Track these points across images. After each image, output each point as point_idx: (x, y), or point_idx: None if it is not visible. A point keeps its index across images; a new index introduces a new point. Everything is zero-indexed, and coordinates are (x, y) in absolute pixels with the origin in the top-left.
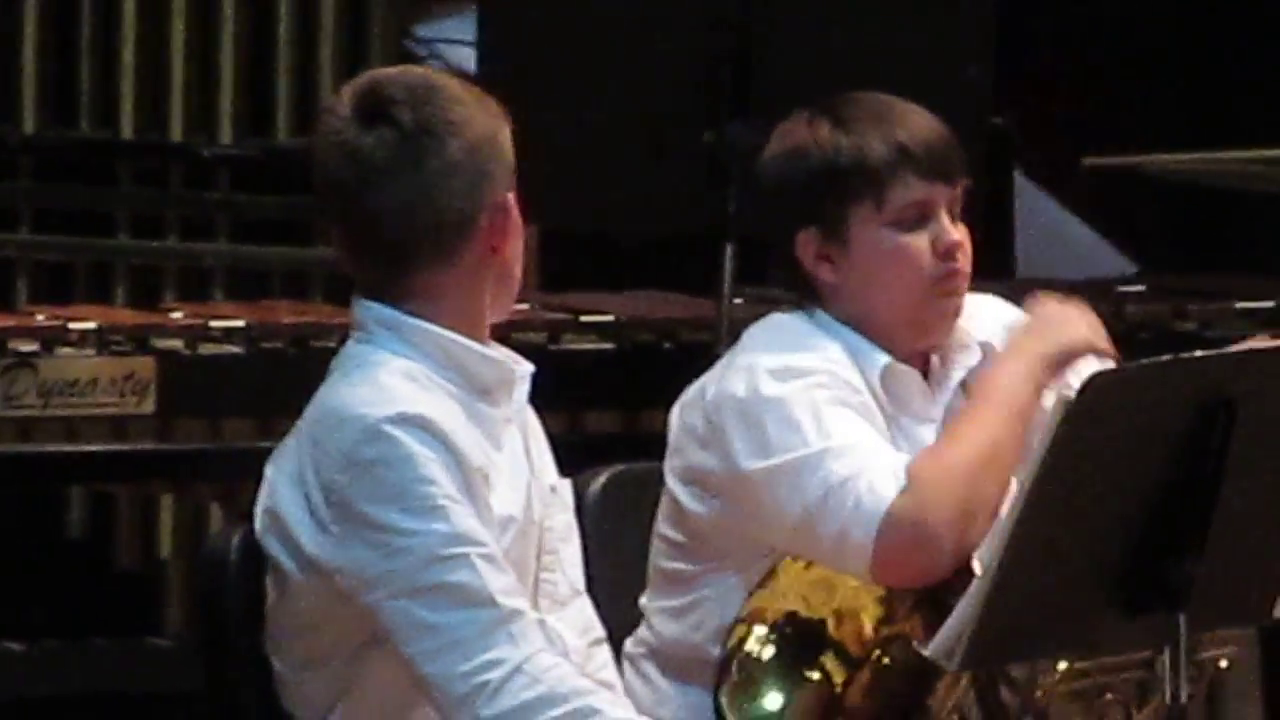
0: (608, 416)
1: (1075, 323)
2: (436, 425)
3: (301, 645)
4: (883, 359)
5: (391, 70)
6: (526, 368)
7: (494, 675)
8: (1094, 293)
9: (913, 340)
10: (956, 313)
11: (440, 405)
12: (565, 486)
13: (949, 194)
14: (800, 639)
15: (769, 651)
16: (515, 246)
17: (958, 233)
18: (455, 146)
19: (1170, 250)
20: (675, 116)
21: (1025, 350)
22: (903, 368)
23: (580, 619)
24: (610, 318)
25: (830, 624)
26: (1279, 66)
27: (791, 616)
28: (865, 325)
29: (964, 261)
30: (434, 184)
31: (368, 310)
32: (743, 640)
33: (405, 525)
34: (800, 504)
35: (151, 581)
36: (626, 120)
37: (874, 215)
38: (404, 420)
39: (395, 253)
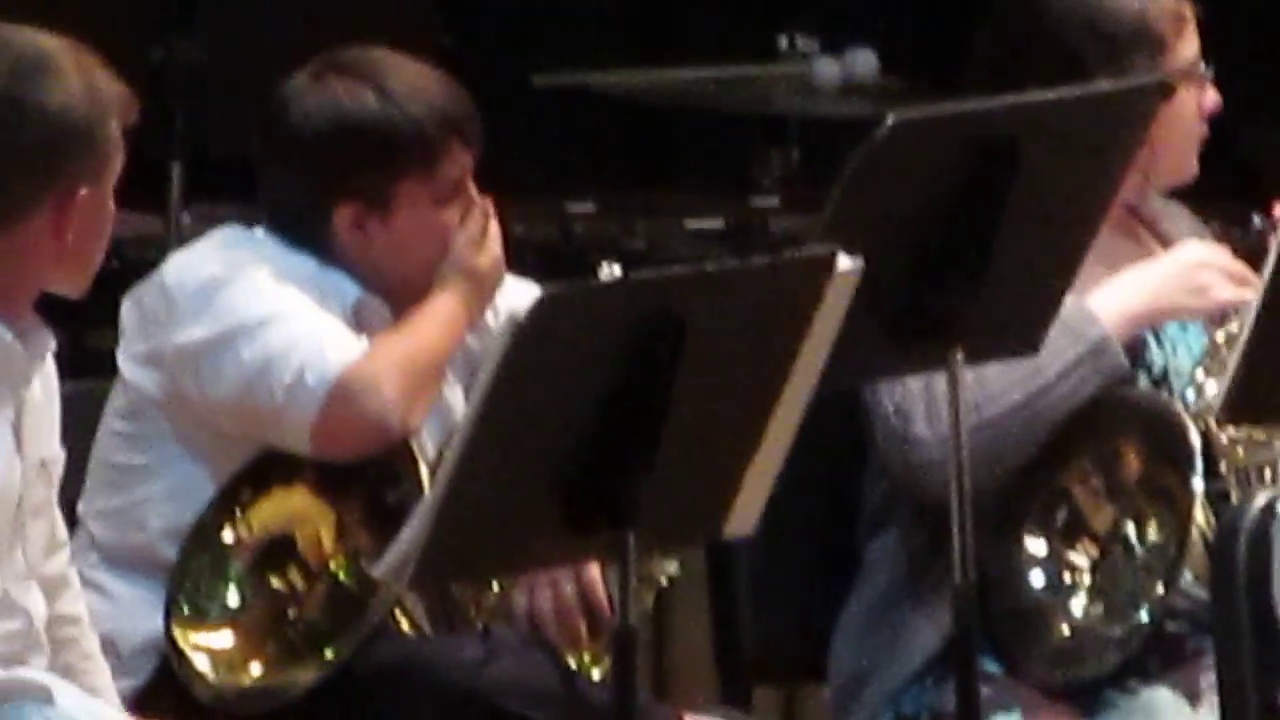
0: (55, 334)
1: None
2: None
3: None
4: (353, 291)
5: (35, 36)
6: (47, 344)
7: None
8: (543, 212)
9: (410, 303)
10: None
11: None
12: (58, 461)
13: (470, 161)
14: (270, 550)
15: (240, 558)
16: (88, 238)
17: (482, 200)
18: (30, 131)
19: (620, 169)
20: (119, 33)
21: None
22: (374, 300)
23: (58, 569)
24: None
25: (298, 540)
26: None
27: (267, 531)
28: (370, 283)
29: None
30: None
31: None
32: (217, 534)
33: None
34: (240, 374)
35: None
36: (72, 34)
37: (425, 189)
38: None
39: None
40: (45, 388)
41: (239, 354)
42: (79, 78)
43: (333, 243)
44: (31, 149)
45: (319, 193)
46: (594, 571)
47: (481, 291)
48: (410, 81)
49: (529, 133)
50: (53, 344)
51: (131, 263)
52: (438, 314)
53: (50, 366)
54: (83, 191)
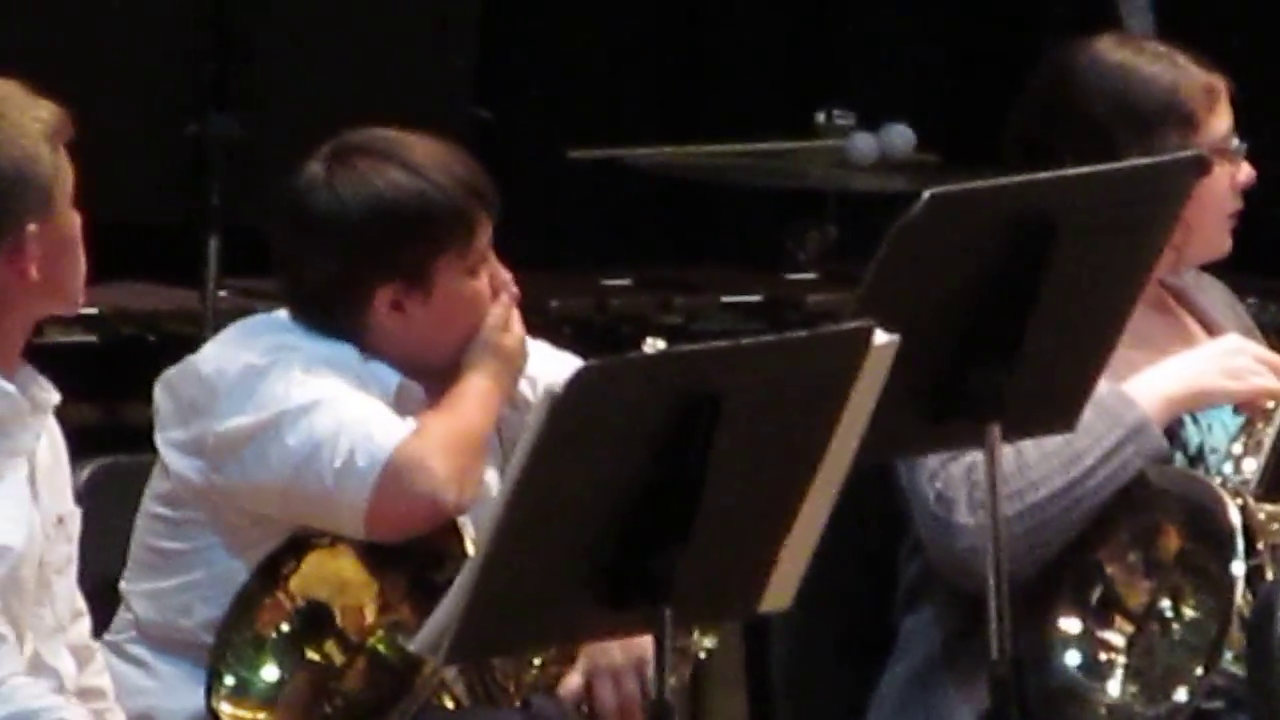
0: (90, 409)
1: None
2: None
3: None
4: (394, 376)
5: None
6: (49, 398)
7: None
8: (579, 286)
9: (440, 383)
10: None
11: None
12: (74, 517)
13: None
14: (308, 621)
15: (279, 628)
16: (58, 264)
17: (504, 272)
18: None
19: (656, 243)
20: (158, 108)
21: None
22: (413, 384)
23: (81, 639)
24: (94, 310)
25: (337, 611)
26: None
27: (307, 600)
28: (404, 364)
29: (515, 292)
30: None
31: None
32: (258, 605)
33: None
34: (287, 461)
35: None
36: (110, 111)
37: (459, 263)
38: None
39: None
40: (52, 444)
41: (284, 440)
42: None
43: (368, 327)
44: None
45: (359, 277)
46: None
47: (512, 369)
48: (432, 156)
49: (565, 207)
50: (56, 397)
51: (168, 337)
52: (475, 393)
53: (53, 423)
54: (31, 228)
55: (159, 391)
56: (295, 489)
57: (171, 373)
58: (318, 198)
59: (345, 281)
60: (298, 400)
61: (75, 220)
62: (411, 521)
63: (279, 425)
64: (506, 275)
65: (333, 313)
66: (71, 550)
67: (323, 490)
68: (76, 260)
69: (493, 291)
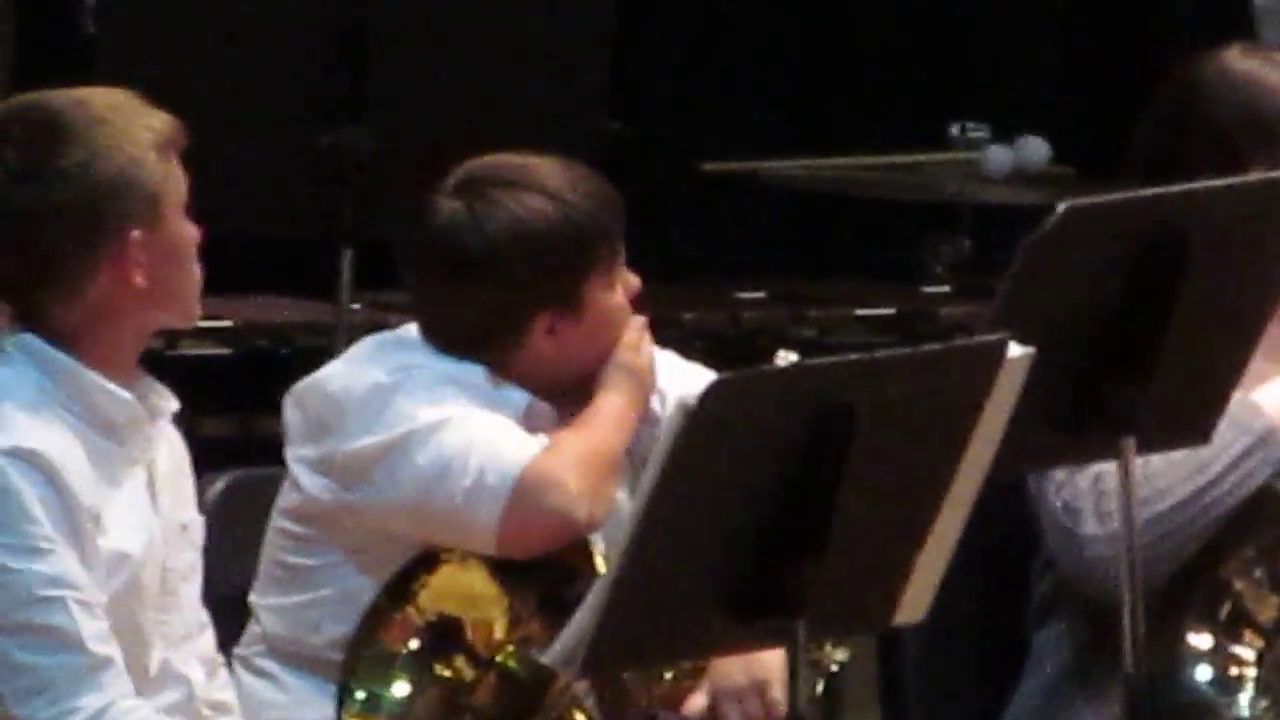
0: (224, 421)
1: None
2: (48, 462)
3: None
4: (522, 396)
5: (26, 101)
6: (168, 405)
7: None
8: (713, 299)
9: (580, 396)
10: None
11: (58, 440)
12: (197, 525)
13: None
14: (439, 636)
15: (409, 644)
16: (166, 273)
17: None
18: (54, 197)
19: (790, 257)
20: (292, 121)
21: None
22: (543, 405)
23: (207, 651)
24: (228, 323)
25: (468, 626)
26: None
27: (438, 615)
28: (540, 385)
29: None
30: (37, 227)
31: (11, 334)
32: (388, 619)
33: (4, 562)
34: (417, 480)
35: None
36: (242, 124)
37: (604, 279)
38: (15, 454)
39: (16, 287)
40: (173, 451)
41: (414, 459)
42: (96, 129)
43: (520, 354)
44: (62, 213)
45: (515, 311)
46: (778, 690)
47: (644, 389)
48: (561, 177)
49: (699, 220)
50: (174, 405)
51: (301, 350)
52: (609, 411)
53: (174, 431)
54: (134, 235)
55: (288, 406)
56: (426, 508)
57: (300, 388)
58: (465, 237)
59: (503, 316)
60: (426, 419)
61: (186, 231)
62: (543, 537)
63: (408, 444)
64: (635, 280)
65: (486, 346)
66: (195, 558)
67: (453, 508)
68: (187, 271)
69: (628, 300)
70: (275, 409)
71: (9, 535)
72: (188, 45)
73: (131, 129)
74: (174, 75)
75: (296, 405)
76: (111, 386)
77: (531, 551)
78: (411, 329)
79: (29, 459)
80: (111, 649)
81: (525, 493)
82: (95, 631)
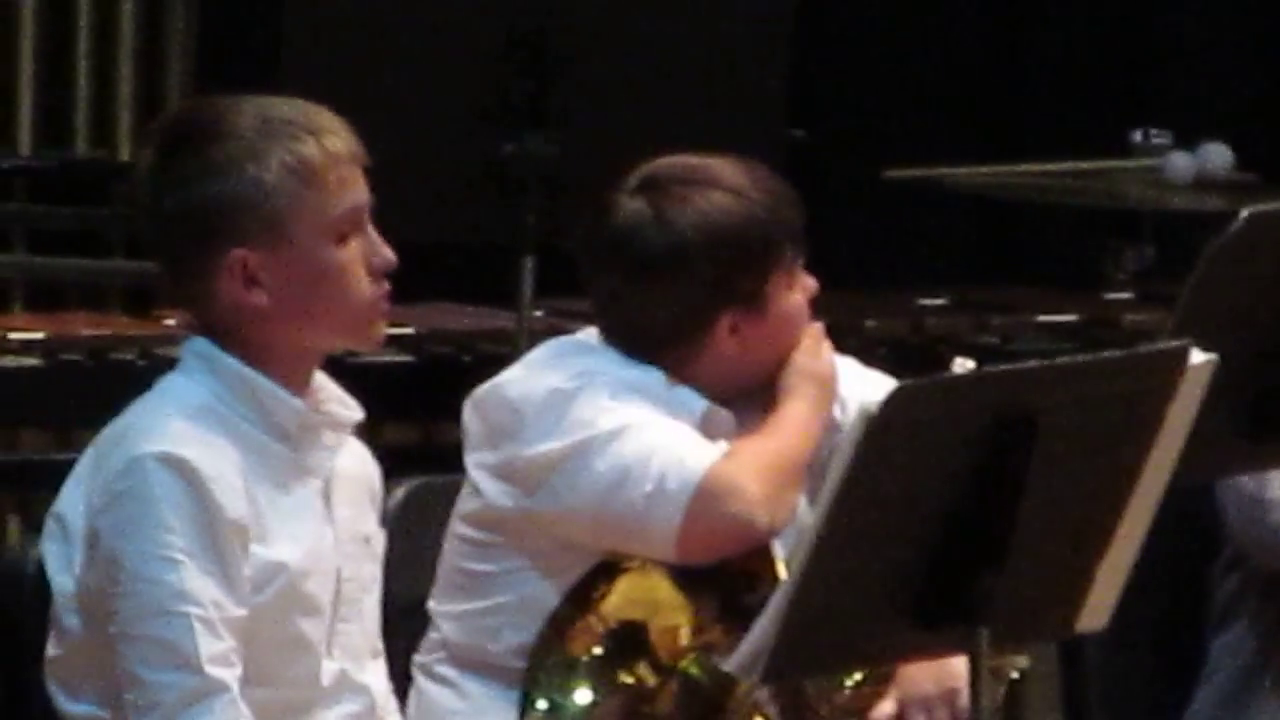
0: (406, 429)
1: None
2: (196, 472)
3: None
4: (700, 402)
5: (193, 102)
6: (351, 415)
7: None
8: (895, 306)
9: (762, 400)
10: None
11: (218, 448)
12: (379, 537)
13: None
14: (621, 644)
15: (592, 651)
16: (300, 294)
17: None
18: (176, 200)
19: (971, 263)
20: (474, 129)
21: (803, 384)
22: (721, 410)
23: (383, 688)
24: (409, 330)
25: (651, 633)
26: (1065, 82)
27: (620, 622)
28: (718, 388)
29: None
30: (163, 230)
31: (187, 338)
32: (570, 627)
33: (137, 568)
34: (597, 486)
35: None
36: (424, 131)
37: (786, 279)
38: (165, 460)
39: (169, 289)
40: (357, 462)
41: (594, 467)
42: (224, 143)
43: (702, 354)
44: (177, 220)
45: (703, 309)
46: (966, 699)
47: (826, 394)
48: (746, 176)
49: (881, 227)
50: (357, 415)
51: (482, 357)
52: (794, 418)
53: (357, 443)
54: (241, 253)
55: (468, 412)
56: (606, 514)
57: (480, 394)
58: (649, 235)
59: (687, 314)
60: (606, 426)
61: (332, 256)
62: (724, 543)
63: (588, 451)
64: (813, 281)
65: (669, 346)
66: (376, 570)
67: (634, 514)
68: (332, 296)
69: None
70: (457, 416)
71: (144, 542)
72: (371, 53)
73: (265, 147)
74: (358, 84)
75: (476, 411)
76: (283, 393)
77: (711, 557)
78: (591, 334)
79: (176, 466)
80: (229, 674)
81: (706, 499)
82: (216, 653)
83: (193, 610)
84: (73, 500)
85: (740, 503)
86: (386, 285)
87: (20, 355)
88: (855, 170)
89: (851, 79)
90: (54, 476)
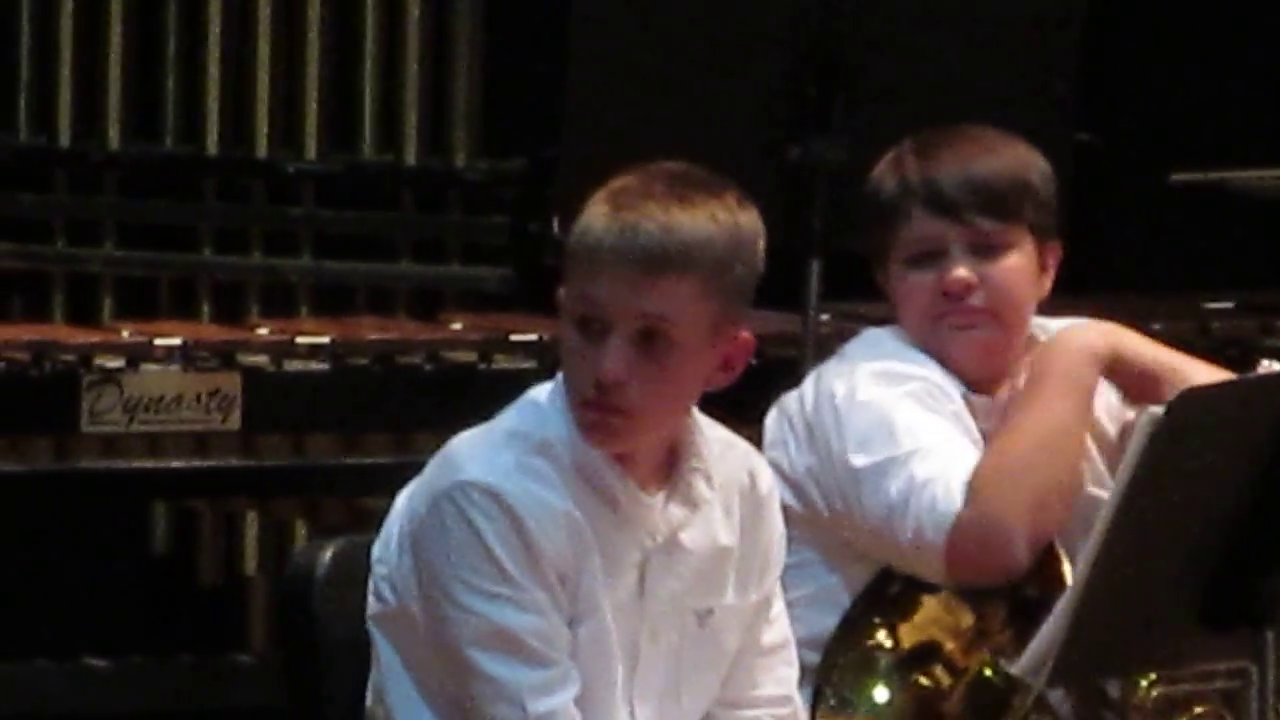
0: None
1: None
2: (515, 507)
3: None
4: (959, 388)
5: (638, 171)
6: (703, 496)
7: None
8: (1181, 309)
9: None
10: (988, 347)
11: (544, 490)
12: (729, 612)
13: (963, 232)
14: (918, 652)
15: (886, 652)
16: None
17: (966, 270)
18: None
19: (1259, 267)
20: (760, 132)
21: (1075, 339)
22: (979, 399)
23: None
24: None
25: (944, 640)
26: None
27: (916, 637)
28: (979, 374)
29: (973, 298)
30: None
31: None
32: (865, 632)
33: (457, 595)
34: (883, 504)
35: (235, 598)
36: (711, 136)
37: (897, 250)
38: (488, 493)
39: None
40: (714, 539)
41: (887, 487)
42: (606, 210)
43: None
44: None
45: (870, 250)
46: None
47: (1101, 365)
48: (933, 147)
49: (1168, 230)
50: (708, 494)
51: (770, 361)
52: (1061, 383)
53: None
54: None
55: (772, 415)
56: (884, 534)
57: (787, 399)
58: None
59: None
60: (907, 446)
61: (567, 335)
62: (989, 575)
63: (887, 470)
64: (961, 274)
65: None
66: (717, 653)
67: (906, 541)
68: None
69: (938, 288)
70: (746, 418)
71: (464, 570)
72: (659, 59)
73: (634, 225)
74: (646, 90)
75: (781, 413)
76: (605, 465)
77: (982, 585)
78: (887, 333)
79: (497, 499)
80: (553, 701)
81: (967, 536)
82: (536, 683)
83: (512, 643)
84: (400, 506)
85: (992, 544)
86: None
87: (307, 360)
88: (1142, 173)
89: (1140, 81)
90: (341, 481)
